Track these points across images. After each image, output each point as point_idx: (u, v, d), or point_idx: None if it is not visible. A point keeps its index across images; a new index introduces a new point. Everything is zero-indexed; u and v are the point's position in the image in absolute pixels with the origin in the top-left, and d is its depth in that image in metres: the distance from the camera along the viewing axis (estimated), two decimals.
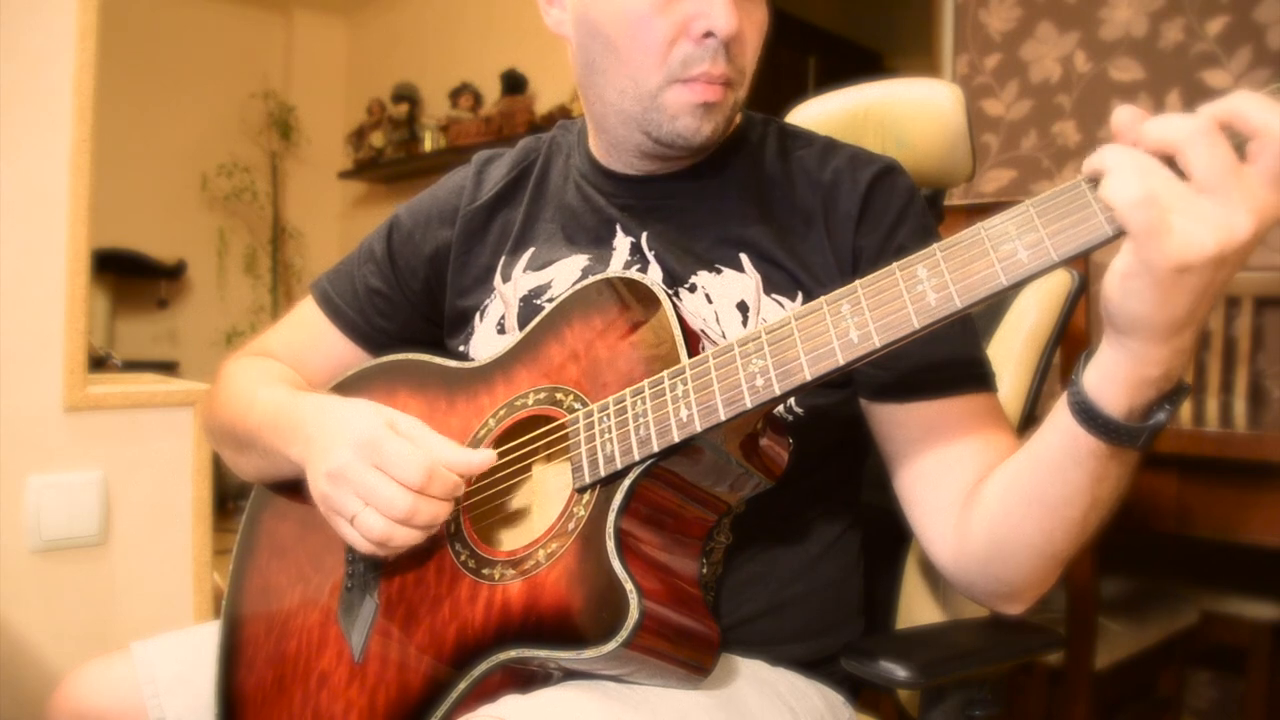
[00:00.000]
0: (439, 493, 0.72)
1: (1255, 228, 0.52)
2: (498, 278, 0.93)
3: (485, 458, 0.74)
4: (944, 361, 0.80)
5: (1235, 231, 0.51)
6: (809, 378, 0.62)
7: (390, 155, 4.27)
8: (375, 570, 0.79)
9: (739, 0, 0.80)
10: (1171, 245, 0.52)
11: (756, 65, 0.86)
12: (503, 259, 0.94)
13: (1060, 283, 1.01)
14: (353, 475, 0.72)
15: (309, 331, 1.02)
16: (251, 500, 0.96)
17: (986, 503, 0.74)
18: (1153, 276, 0.53)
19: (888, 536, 0.98)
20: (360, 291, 1.00)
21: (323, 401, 0.82)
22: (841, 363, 0.61)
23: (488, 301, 0.93)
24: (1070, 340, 1.42)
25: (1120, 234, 0.54)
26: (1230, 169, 0.52)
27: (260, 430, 0.86)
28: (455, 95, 3.93)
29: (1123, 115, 0.55)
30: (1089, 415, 0.62)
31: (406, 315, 1.00)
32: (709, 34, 0.79)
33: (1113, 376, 0.60)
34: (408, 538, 0.72)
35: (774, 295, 0.83)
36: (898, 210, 0.85)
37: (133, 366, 1.99)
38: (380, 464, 0.71)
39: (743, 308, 0.83)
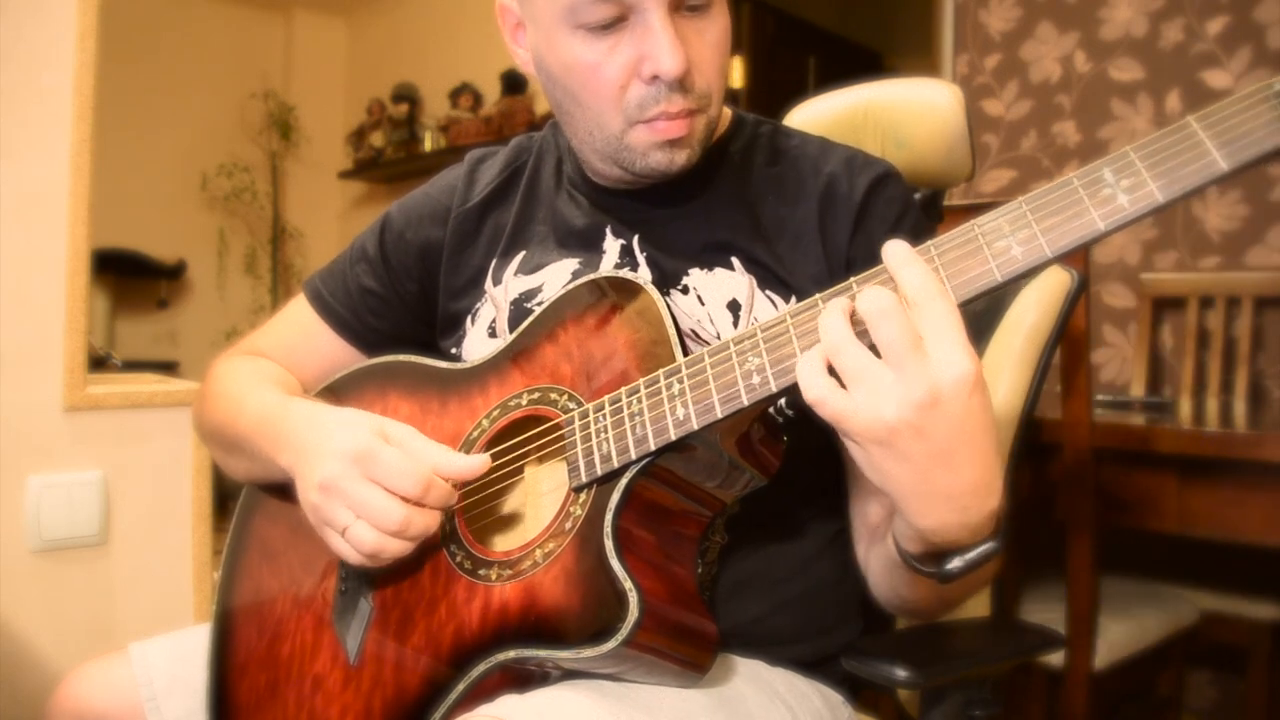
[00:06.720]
0: (434, 503, 0.72)
1: (925, 398, 0.54)
2: (489, 281, 0.93)
3: (479, 462, 0.74)
4: None
5: (911, 401, 0.55)
6: None
7: (390, 155, 4.27)
8: (369, 573, 0.79)
9: (686, 29, 0.78)
10: (858, 421, 0.56)
11: (726, 78, 0.84)
12: (494, 262, 0.93)
13: (1060, 282, 1.01)
14: (345, 487, 0.71)
15: (301, 330, 1.02)
16: (241, 501, 0.95)
17: (870, 565, 0.81)
18: (859, 448, 0.58)
19: None
20: (353, 290, 1.00)
21: (314, 409, 0.82)
22: None
23: (479, 304, 0.93)
24: (1070, 339, 1.42)
25: (1115, 229, 0.54)
26: (909, 345, 0.55)
27: (250, 434, 0.86)
28: (455, 95, 3.93)
29: (892, 251, 0.59)
30: (897, 546, 0.68)
31: (399, 315, 1.00)
32: (656, 76, 0.78)
33: (899, 520, 0.65)
34: (399, 549, 0.72)
35: (767, 292, 0.83)
36: (895, 217, 0.85)
37: (133, 366, 1.99)
38: (374, 476, 0.71)
39: (734, 307, 0.83)
